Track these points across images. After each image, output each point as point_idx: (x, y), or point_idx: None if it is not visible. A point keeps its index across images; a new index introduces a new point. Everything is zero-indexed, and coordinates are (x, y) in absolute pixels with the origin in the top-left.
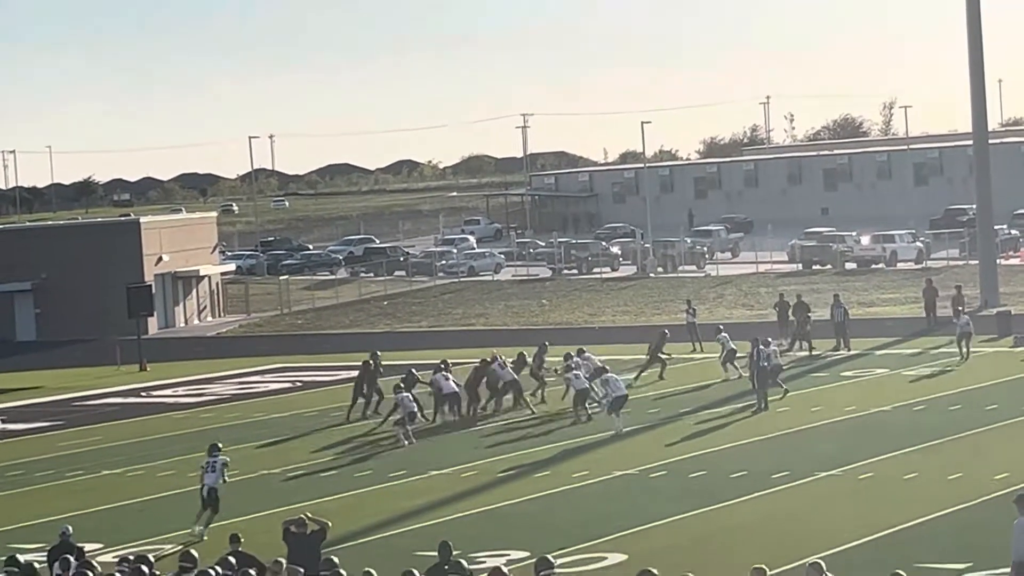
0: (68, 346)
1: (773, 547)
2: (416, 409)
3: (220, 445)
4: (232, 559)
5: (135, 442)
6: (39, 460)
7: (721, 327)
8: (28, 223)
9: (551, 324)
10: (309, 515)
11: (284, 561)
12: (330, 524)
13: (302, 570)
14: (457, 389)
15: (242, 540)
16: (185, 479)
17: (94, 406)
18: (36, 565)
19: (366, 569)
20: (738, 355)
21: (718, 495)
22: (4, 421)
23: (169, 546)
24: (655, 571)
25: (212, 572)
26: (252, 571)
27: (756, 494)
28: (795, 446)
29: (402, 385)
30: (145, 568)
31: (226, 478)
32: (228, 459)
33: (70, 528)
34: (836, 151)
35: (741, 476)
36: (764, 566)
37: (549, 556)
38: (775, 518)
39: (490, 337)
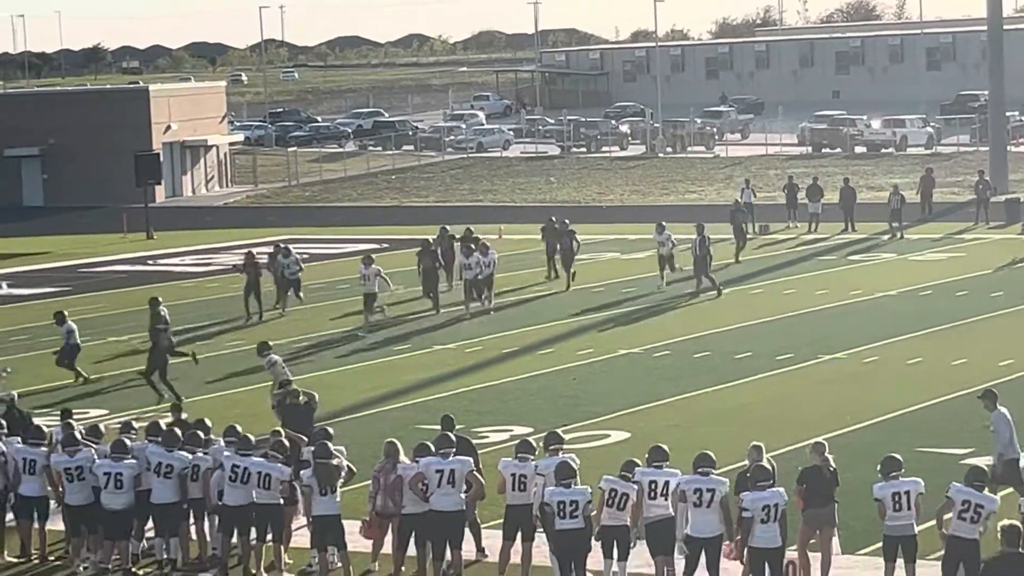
0: (75, 212)
1: (776, 428)
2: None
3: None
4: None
5: (141, 310)
6: (45, 325)
7: (664, 224)
8: (36, 88)
9: (559, 202)
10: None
11: (283, 431)
12: (316, 396)
13: (305, 438)
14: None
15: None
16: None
17: (100, 273)
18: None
19: (389, 439)
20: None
21: (722, 375)
22: (10, 285)
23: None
24: (665, 447)
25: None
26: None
27: (760, 375)
28: (800, 328)
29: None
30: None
31: None
32: None
33: (15, 394)
34: (849, 34)
35: (745, 357)
36: (760, 444)
37: (558, 431)
38: (778, 399)
39: (497, 213)
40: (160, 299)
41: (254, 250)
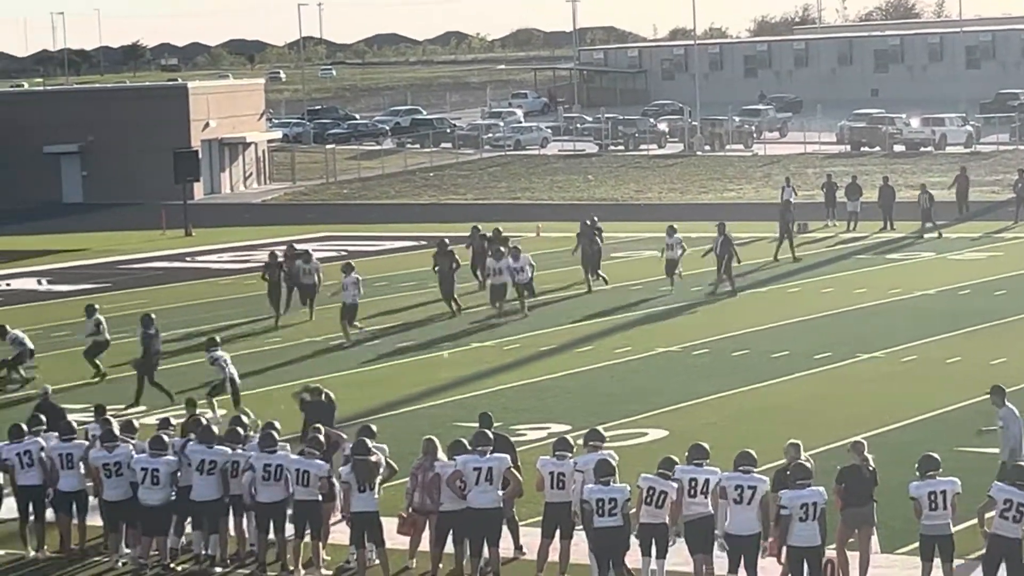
0: (113, 209)
1: (814, 427)
2: None
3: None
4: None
5: (179, 306)
6: (83, 322)
7: (675, 227)
8: (76, 85)
9: (596, 199)
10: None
11: (323, 427)
12: (334, 396)
13: (344, 435)
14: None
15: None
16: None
17: (139, 269)
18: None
19: (427, 437)
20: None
21: (760, 374)
22: (49, 282)
23: (209, 413)
24: (705, 445)
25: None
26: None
27: (797, 374)
28: (838, 327)
29: None
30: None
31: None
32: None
33: (49, 388)
34: (888, 32)
35: (783, 356)
36: (798, 441)
37: (599, 428)
38: (816, 398)
39: (535, 211)
40: (153, 316)
41: (276, 250)
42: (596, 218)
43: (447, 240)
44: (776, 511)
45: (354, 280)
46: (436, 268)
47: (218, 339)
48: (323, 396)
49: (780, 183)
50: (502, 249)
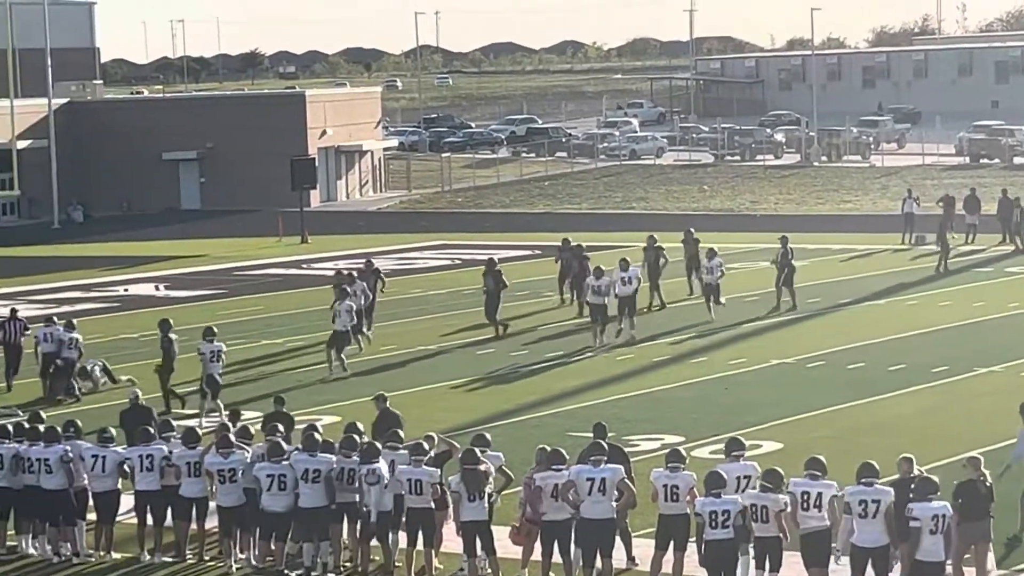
0: (231, 216)
1: (930, 441)
2: None
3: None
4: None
5: (295, 313)
6: (201, 328)
7: (715, 250)
8: (195, 92)
9: (711, 210)
10: (439, 435)
11: (435, 435)
12: (458, 446)
13: (457, 444)
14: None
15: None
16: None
17: (256, 276)
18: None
19: (541, 446)
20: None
21: (876, 387)
22: (166, 288)
23: (327, 418)
24: (822, 458)
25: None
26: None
27: (914, 387)
28: (956, 341)
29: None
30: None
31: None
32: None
33: (139, 392)
34: (1008, 43)
35: (899, 369)
36: (911, 455)
37: (740, 438)
38: (932, 412)
39: (650, 221)
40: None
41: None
42: (654, 236)
43: (496, 259)
44: (903, 524)
45: (348, 308)
46: (485, 289)
47: (215, 329)
48: (387, 403)
49: (899, 195)
50: (602, 268)
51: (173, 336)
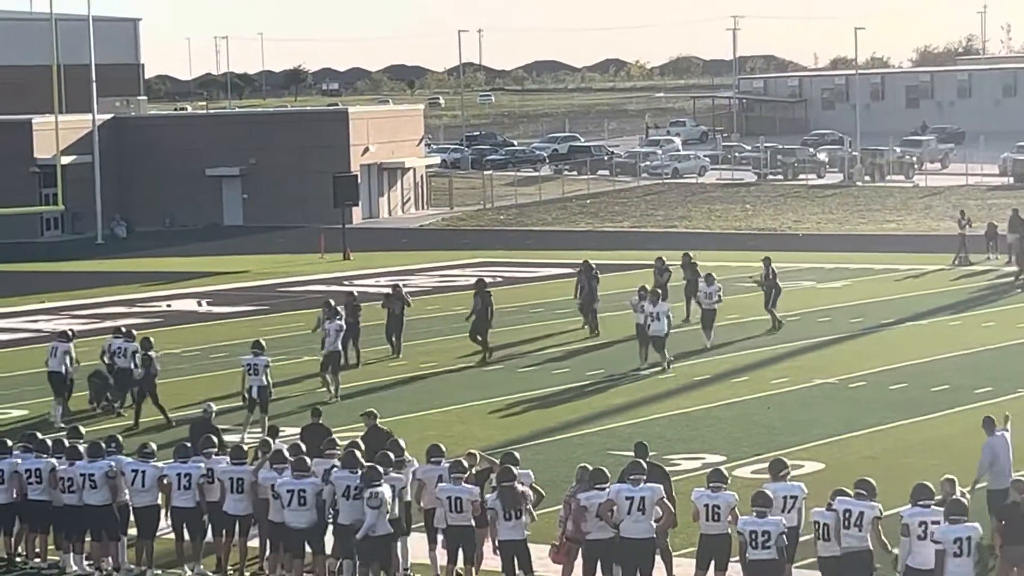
0: (273, 232)
1: (972, 462)
2: None
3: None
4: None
5: None
6: (243, 343)
7: (714, 276)
8: (238, 109)
9: (754, 229)
10: (480, 453)
11: (476, 452)
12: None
13: (496, 461)
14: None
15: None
16: (386, 368)
17: (298, 292)
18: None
19: (582, 464)
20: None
21: (919, 408)
22: (209, 303)
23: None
24: (871, 480)
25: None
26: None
27: (957, 408)
28: (999, 362)
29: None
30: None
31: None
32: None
33: (212, 406)
34: None
35: (943, 389)
36: (954, 476)
37: (783, 458)
38: (975, 433)
39: (692, 240)
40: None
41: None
42: (690, 254)
43: (485, 280)
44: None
45: (337, 327)
46: (472, 307)
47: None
48: (377, 420)
49: (941, 215)
50: (658, 292)
51: (153, 354)
